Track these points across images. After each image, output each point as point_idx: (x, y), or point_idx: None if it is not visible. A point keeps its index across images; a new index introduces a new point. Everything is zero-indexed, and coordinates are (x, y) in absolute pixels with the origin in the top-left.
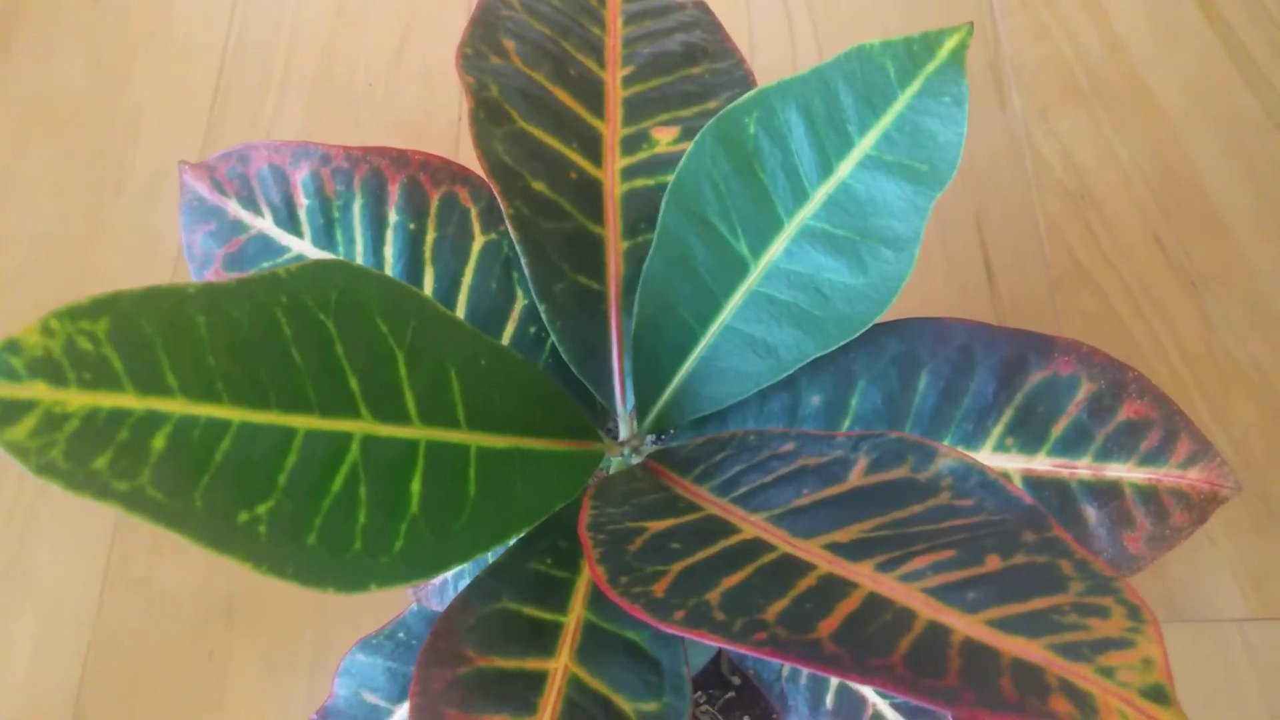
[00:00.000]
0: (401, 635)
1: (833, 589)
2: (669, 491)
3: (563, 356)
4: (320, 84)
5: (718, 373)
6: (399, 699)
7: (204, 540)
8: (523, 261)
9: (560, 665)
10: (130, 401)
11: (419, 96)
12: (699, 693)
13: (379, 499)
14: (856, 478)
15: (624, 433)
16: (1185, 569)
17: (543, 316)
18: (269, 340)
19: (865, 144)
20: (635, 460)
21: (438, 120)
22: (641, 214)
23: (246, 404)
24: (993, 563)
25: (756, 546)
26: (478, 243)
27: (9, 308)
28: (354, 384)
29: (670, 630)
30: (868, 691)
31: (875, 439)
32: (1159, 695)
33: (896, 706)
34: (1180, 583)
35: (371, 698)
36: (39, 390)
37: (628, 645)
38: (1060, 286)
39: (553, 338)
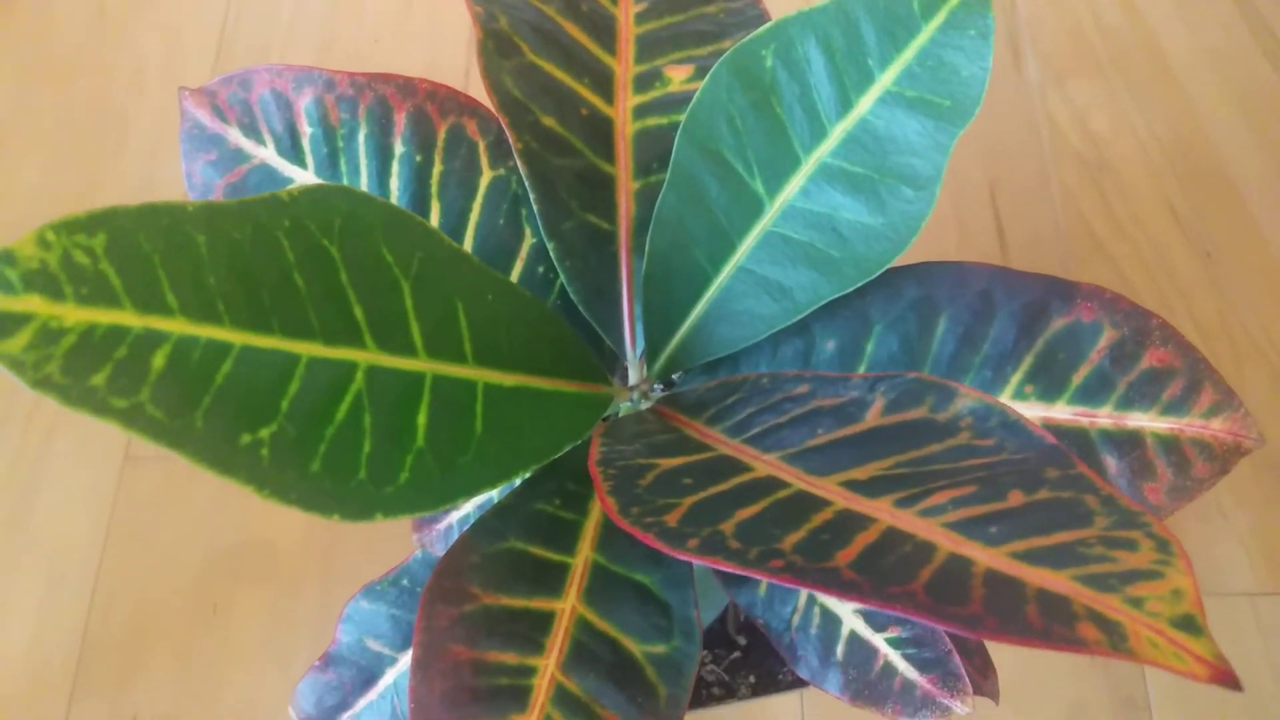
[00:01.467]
0: (405, 582)
1: (850, 523)
2: (679, 433)
3: (571, 298)
4: (325, 40)
5: (730, 315)
6: (403, 646)
7: (205, 461)
8: (531, 197)
9: (568, 606)
10: (129, 319)
11: (425, 53)
12: (704, 651)
13: (384, 429)
14: (873, 418)
15: (633, 378)
16: (1196, 542)
17: (551, 255)
18: (271, 263)
19: (886, 79)
20: (644, 406)
21: (443, 77)
22: (654, 154)
23: (248, 327)
24: (1015, 498)
25: (770, 484)
26: (485, 178)
27: None
28: (359, 313)
29: (683, 557)
30: (879, 642)
31: (893, 380)
32: (1190, 625)
33: (908, 657)
34: (1192, 556)
35: (375, 645)
36: (35, 304)
37: (637, 588)
38: (1074, 255)
39: (561, 278)
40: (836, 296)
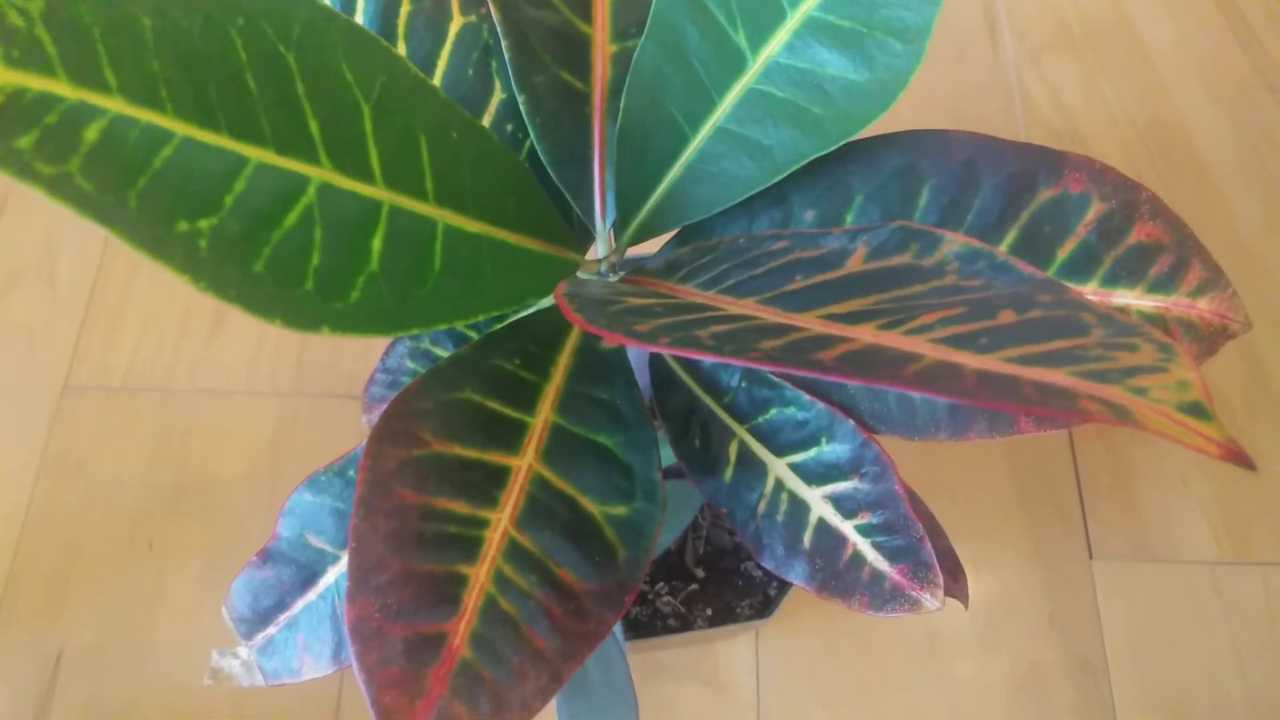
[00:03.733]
0: (351, 473)
1: (831, 339)
2: (649, 288)
3: (541, 159)
4: None
5: (707, 177)
6: (345, 544)
7: (138, 242)
8: (503, 45)
9: (524, 463)
10: (62, 89)
11: None
12: (661, 583)
13: (335, 246)
14: (855, 265)
15: (601, 250)
16: (1158, 510)
17: (521, 109)
18: (221, 60)
19: None
20: (612, 279)
21: None
22: (631, 18)
23: (193, 121)
24: (1006, 317)
25: (745, 317)
26: (456, 23)
27: None
28: (313, 128)
29: (655, 349)
30: (847, 530)
31: (875, 229)
32: (1198, 411)
33: (878, 545)
34: (1152, 523)
35: (316, 541)
36: None
37: (598, 449)
38: None
39: (531, 135)
40: (817, 158)
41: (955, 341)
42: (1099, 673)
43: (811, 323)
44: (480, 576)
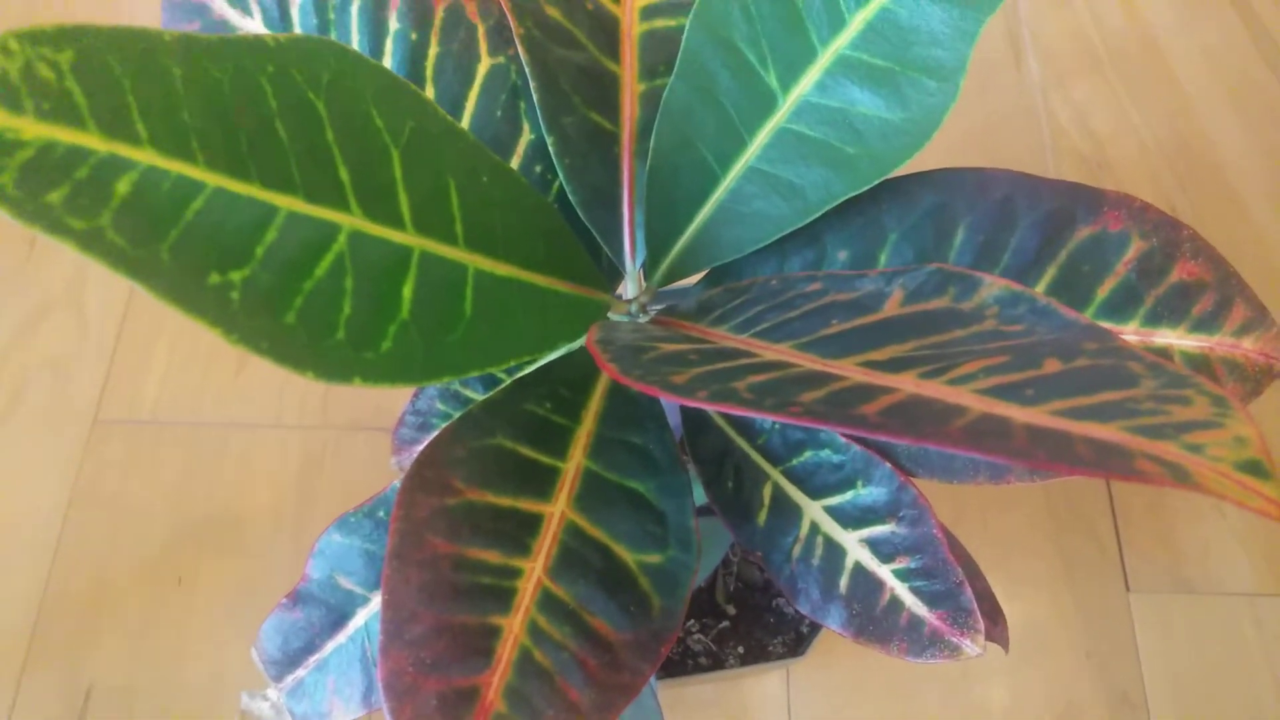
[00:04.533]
0: (382, 514)
1: (872, 389)
2: (680, 331)
3: (570, 199)
4: None
5: (738, 217)
6: (375, 585)
7: (170, 296)
8: (531, 85)
9: (557, 510)
10: (93, 142)
11: None
12: (692, 621)
13: (366, 294)
14: (892, 308)
15: (631, 290)
16: (1194, 540)
17: (550, 150)
18: (252, 109)
19: None
20: (642, 319)
21: None
22: (661, 57)
23: (224, 170)
24: (1052, 366)
25: (782, 364)
26: (484, 65)
27: None
28: (344, 174)
29: (693, 404)
30: (885, 574)
31: (912, 272)
32: (1257, 470)
33: (916, 590)
34: (1189, 554)
35: (346, 582)
36: None
37: (631, 496)
38: None
39: (560, 176)
40: (850, 197)
41: (1000, 392)
42: (1138, 708)
43: (851, 370)
44: (514, 628)
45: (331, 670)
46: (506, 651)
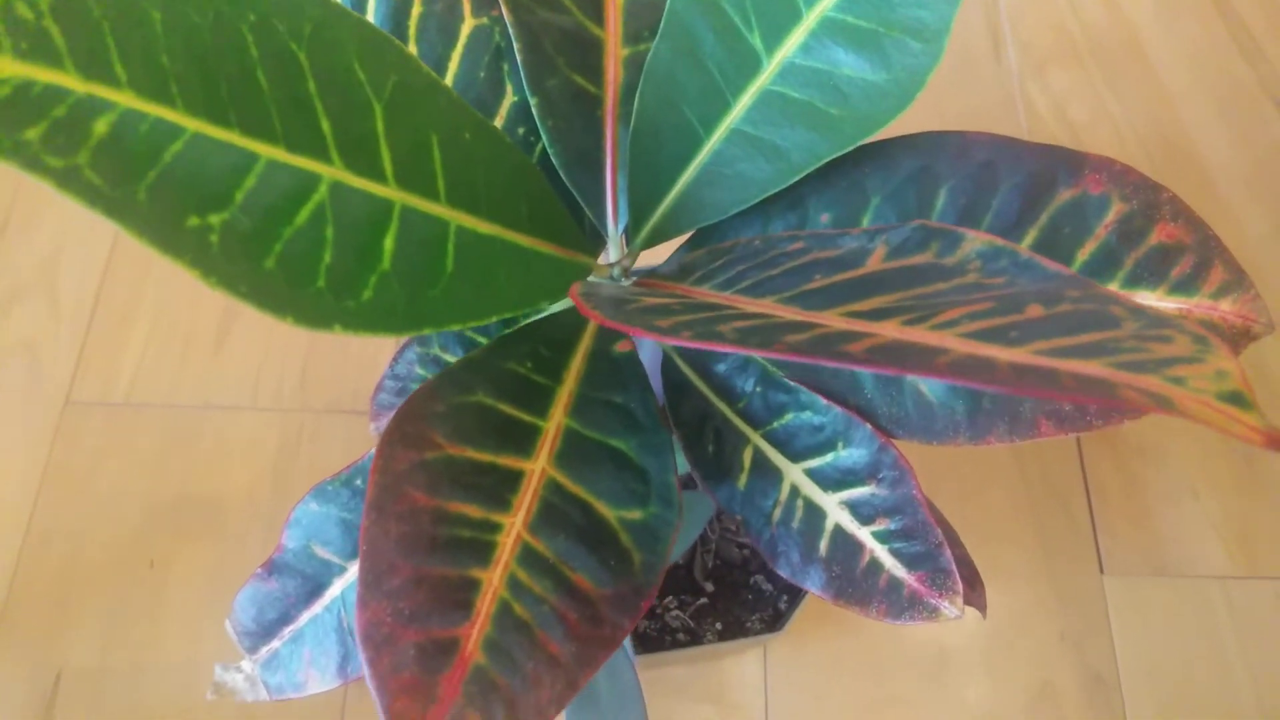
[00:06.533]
0: (359, 483)
1: (857, 334)
2: (664, 290)
3: (553, 162)
4: None
5: (721, 179)
6: (352, 555)
7: (148, 237)
8: (515, 47)
9: (538, 467)
10: (71, 82)
11: None
12: (670, 598)
13: (347, 244)
14: (874, 264)
15: (614, 254)
16: (1168, 524)
17: (534, 112)
18: (233, 56)
19: None
20: (624, 284)
21: None
22: (644, 22)
23: (203, 115)
24: (1034, 311)
25: (765, 315)
26: (467, 25)
27: None
28: (325, 126)
29: (677, 343)
30: (864, 536)
31: (895, 229)
32: (1239, 400)
33: (895, 552)
34: (1163, 537)
35: (323, 552)
36: None
37: (613, 453)
38: None
39: (543, 138)
40: (833, 161)
41: (984, 336)
42: (1112, 689)
43: (833, 320)
44: (493, 581)
45: (307, 641)
46: (486, 604)
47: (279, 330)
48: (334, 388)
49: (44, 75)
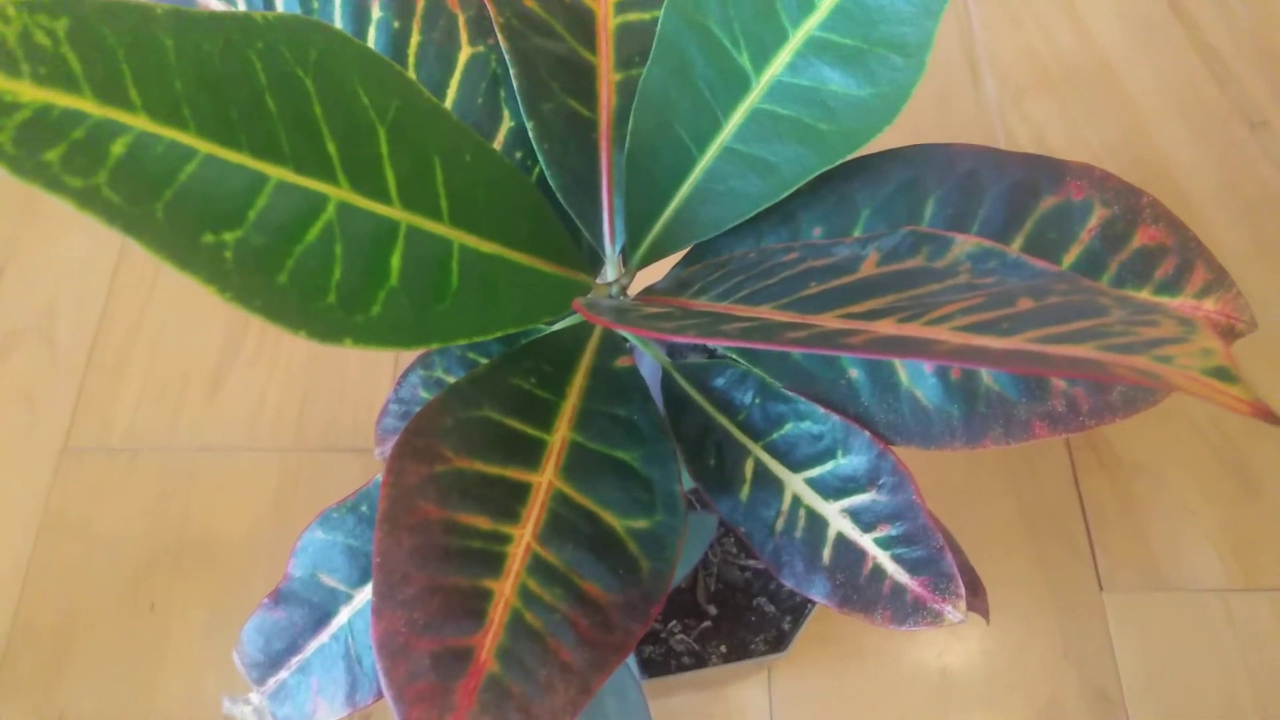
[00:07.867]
0: (365, 509)
1: (855, 331)
2: (663, 304)
3: (550, 185)
4: None
5: (715, 196)
6: (359, 582)
7: (165, 253)
8: (511, 73)
9: (545, 480)
10: (88, 106)
11: None
12: (674, 621)
13: (356, 261)
14: (868, 269)
15: (611, 274)
16: (1165, 539)
17: (530, 136)
18: (242, 81)
19: None
20: (623, 301)
21: None
22: (635, 48)
23: (215, 139)
24: (1025, 304)
25: (765, 319)
26: (464, 53)
27: None
28: (331, 148)
29: (683, 339)
30: (867, 543)
31: (886, 235)
32: (1225, 374)
33: (898, 558)
34: (1161, 552)
35: (329, 580)
36: None
37: (617, 465)
38: None
39: (540, 161)
40: (824, 176)
41: (977, 328)
42: (1116, 705)
43: (831, 322)
44: (505, 591)
45: (315, 670)
46: (498, 613)
47: (276, 371)
48: (331, 427)
49: (62, 100)
